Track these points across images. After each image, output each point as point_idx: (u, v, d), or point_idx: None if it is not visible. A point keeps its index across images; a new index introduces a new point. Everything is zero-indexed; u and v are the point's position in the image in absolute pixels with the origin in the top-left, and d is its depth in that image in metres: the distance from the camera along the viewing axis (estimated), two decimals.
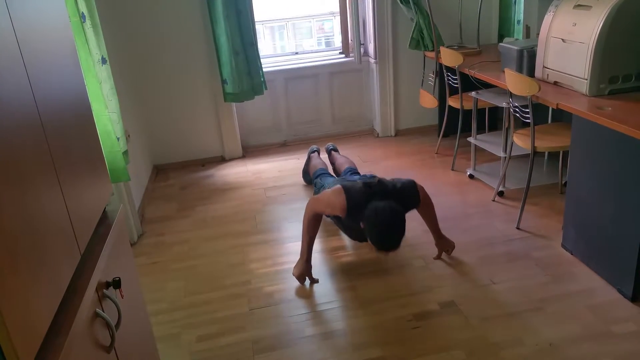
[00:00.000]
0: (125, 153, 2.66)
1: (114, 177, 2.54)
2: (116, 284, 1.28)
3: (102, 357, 1.17)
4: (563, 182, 3.13)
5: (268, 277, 2.55)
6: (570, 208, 2.51)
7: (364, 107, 4.43)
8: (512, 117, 2.88)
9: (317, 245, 2.59)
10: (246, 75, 3.79)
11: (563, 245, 2.58)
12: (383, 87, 4.22)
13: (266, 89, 3.95)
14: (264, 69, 3.91)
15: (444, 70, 3.60)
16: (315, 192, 2.88)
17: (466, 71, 3.31)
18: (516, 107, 2.77)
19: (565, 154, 2.94)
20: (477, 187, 3.34)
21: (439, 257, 2.58)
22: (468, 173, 3.48)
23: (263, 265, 2.65)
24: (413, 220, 2.81)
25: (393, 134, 4.38)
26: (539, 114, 2.90)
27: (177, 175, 3.94)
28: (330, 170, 3.24)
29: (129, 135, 2.97)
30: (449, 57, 3.42)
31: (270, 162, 4.05)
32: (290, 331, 2.17)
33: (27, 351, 0.84)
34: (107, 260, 1.27)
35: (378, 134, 4.38)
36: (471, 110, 3.40)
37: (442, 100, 3.85)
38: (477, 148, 3.45)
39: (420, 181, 2.54)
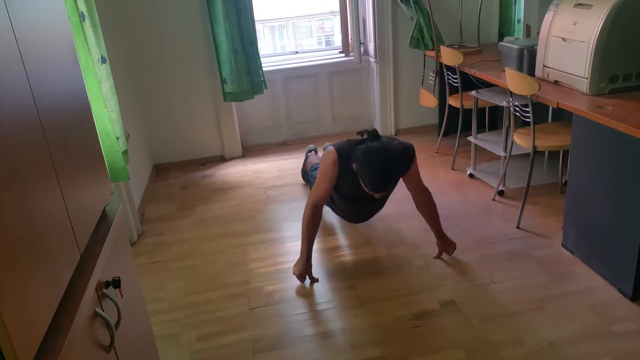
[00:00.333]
0: (125, 152, 2.65)
1: (113, 177, 2.54)
2: (116, 283, 1.28)
3: (101, 356, 1.17)
4: (563, 181, 3.13)
5: (268, 277, 2.54)
6: (571, 207, 2.51)
7: (364, 107, 4.42)
8: (512, 116, 2.88)
9: (316, 245, 2.59)
10: (246, 74, 3.78)
11: (563, 245, 2.58)
12: (383, 87, 4.22)
13: (266, 88, 3.95)
14: (264, 68, 3.91)
15: (444, 70, 3.60)
16: (311, 186, 2.87)
17: (466, 70, 3.31)
18: (516, 106, 2.77)
19: (566, 153, 2.94)
20: (477, 186, 3.34)
21: (439, 256, 2.58)
22: (468, 172, 3.48)
23: (263, 265, 2.65)
24: (413, 219, 2.82)
25: (393, 133, 4.38)
26: (539, 113, 2.90)
27: (177, 174, 3.94)
28: None
29: (128, 135, 2.97)
30: (449, 56, 3.42)
31: (270, 161, 4.05)
32: (291, 330, 2.17)
33: (27, 351, 0.84)
34: (107, 259, 1.27)
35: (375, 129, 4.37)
36: (471, 109, 3.40)
37: (442, 100, 3.85)
38: (477, 147, 3.45)
39: None
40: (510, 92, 2.76)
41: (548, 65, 2.71)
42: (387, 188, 2.27)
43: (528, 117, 2.65)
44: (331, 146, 2.42)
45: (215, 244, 2.89)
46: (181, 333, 2.19)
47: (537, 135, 2.67)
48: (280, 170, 3.84)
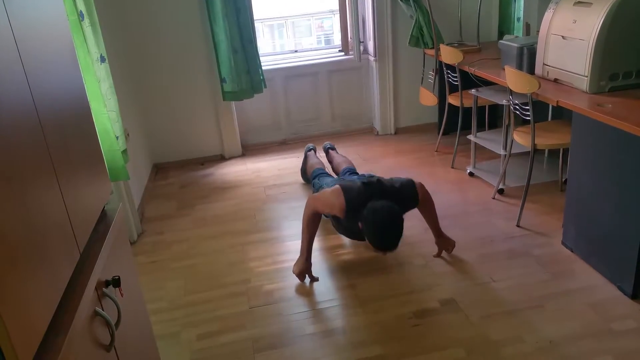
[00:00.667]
0: (125, 152, 2.65)
1: (113, 176, 2.53)
2: (115, 282, 1.28)
3: (102, 355, 1.17)
4: (563, 179, 3.13)
5: (268, 276, 2.54)
6: (571, 205, 2.50)
7: (363, 105, 4.42)
8: (512, 115, 2.88)
9: (316, 244, 2.59)
10: (245, 73, 3.78)
11: (563, 243, 2.58)
12: (383, 85, 4.21)
13: (265, 87, 3.95)
14: (264, 68, 3.91)
15: (444, 68, 3.60)
16: (314, 192, 2.87)
17: (466, 69, 3.30)
18: (516, 104, 2.77)
19: (566, 151, 2.94)
20: (477, 184, 3.33)
21: (438, 255, 2.58)
22: (468, 171, 3.48)
23: (263, 264, 2.65)
24: (413, 218, 2.81)
25: (393, 132, 4.38)
26: (539, 111, 2.90)
27: (177, 174, 3.94)
28: (328, 169, 3.23)
29: (128, 134, 2.97)
30: (449, 55, 3.42)
31: (270, 160, 4.04)
32: (291, 329, 2.17)
33: (26, 350, 0.84)
34: (107, 259, 1.27)
35: (378, 132, 4.38)
36: (471, 107, 3.40)
37: (442, 98, 3.84)
38: (477, 146, 3.45)
39: (420, 179, 2.54)
40: (510, 90, 2.76)
41: (548, 64, 2.70)
42: (391, 249, 2.28)
43: (528, 116, 2.65)
44: (339, 188, 2.35)
45: (214, 243, 2.89)
46: (181, 332, 2.19)
47: (537, 133, 2.66)
48: (280, 169, 3.84)
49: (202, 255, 2.78)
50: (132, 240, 2.95)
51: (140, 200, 3.34)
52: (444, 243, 2.58)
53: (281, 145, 4.32)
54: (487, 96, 3.27)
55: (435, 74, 3.84)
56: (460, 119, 3.55)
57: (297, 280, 2.46)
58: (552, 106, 3.04)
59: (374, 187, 2.33)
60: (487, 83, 3.29)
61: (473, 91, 3.36)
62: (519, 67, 2.91)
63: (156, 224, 3.16)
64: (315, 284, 2.46)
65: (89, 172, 1.32)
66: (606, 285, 2.26)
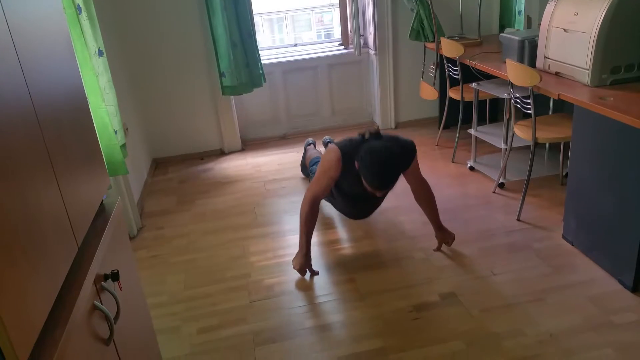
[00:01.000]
0: (123, 146, 2.64)
1: (111, 171, 2.53)
2: (114, 276, 1.27)
3: (100, 349, 1.17)
4: (564, 173, 3.12)
5: (268, 270, 2.54)
6: (571, 199, 2.50)
7: (363, 100, 4.41)
8: (513, 108, 2.87)
9: (316, 238, 2.59)
10: (244, 67, 3.76)
11: (564, 237, 2.58)
12: (383, 79, 4.20)
13: (265, 81, 3.93)
14: (263, 62, 3.89)
15: (445, 62, 3.58)
16: (311, 179, 2.87)
17: (467, 62, 3.29)
18: (517, 98, 2.76)
19: (567, 145, 2.93)
20: (478, 178, 3.33)
21: (438, 248, 2.58)
22: (468, 165, 3.47)
23: (263, 258, 2.65)
24: (413, 212, 2.81)
25: (393, 126, 4.37)
26: (540, 104, 2.88)
27: (176, 168, 3.94)
28: None
29: (126, 129, 2.96)
30: (450, 48, 3.40)
31: (270, 155, 4.04)
32: (291, 323, 2.17)
33: (24, 344, 0.84)
34: (105, 252, 1.27)
35: (378, 126, 4.36)
36: (472, 101, 3.39)
37: (442, 92, 3.83)
38: (477, 140, 3.44)
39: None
40: (511, 83, 2.75)
41: (549, 57, 2.69)
42: (388, 186, 2.28)
43: (529, 109, 2.64)
44: (334, 144, 2.43)
45: (214, 238, 2.89)
46: (181, 326, 2.20)
47: (538, 127, 2.65)
48: (280, 164, 3.83)
49: (202, 249, 2.78)
50: (132, 235, 2.95)
51: (140, 195, 3.34)
52: (444, 236, 2.58)
53: (281, 140, 4.31)
54: (488, 90, 3.26)
55: (436, 67, 3.83)
56: (461, 112, 3.54)
57: (297, 275, 2.46)
58: (553, 100, 3.03)
59: (370, 136, 2.35)
60: (488, 76, 3.27)
61: (474, 85, 3.34)
62: (520, 60, 2.90)
63: (156, 219, 3.16)
64: (315, 278, 2.46)
65: (87, 166, 1.31)
66: (606, 279, 2.26)
